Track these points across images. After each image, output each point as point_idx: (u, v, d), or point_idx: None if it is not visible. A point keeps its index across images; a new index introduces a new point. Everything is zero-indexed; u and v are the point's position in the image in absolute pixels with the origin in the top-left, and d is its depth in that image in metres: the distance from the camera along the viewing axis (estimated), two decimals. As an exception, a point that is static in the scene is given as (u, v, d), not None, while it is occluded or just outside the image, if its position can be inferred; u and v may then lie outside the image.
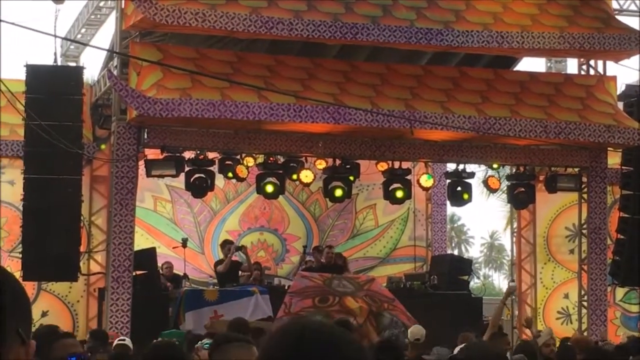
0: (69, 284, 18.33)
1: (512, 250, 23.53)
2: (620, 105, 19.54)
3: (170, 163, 17.52)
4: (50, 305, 18.65)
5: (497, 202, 39.80)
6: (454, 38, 17.37)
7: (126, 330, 16.40)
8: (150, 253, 18.70)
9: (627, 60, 19.30)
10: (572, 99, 18.88)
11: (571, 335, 17.30)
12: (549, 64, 22.93)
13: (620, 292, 21.20)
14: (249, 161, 18.44)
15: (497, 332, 11.70)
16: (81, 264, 17.53)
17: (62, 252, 16.69)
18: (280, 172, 18.48)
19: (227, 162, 18.35)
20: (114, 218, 17.17)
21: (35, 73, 16.94)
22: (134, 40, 17.32)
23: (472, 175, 19.59)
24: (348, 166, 18.79)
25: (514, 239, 22.40)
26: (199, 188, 18.09)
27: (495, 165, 19.53)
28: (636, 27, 19.06)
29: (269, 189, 18.35)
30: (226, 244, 19.31)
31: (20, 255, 16.99)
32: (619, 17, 19.65)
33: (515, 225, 22.42)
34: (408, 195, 19.22)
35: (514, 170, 19.81)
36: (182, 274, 18.86)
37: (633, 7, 21.62)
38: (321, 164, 18.84)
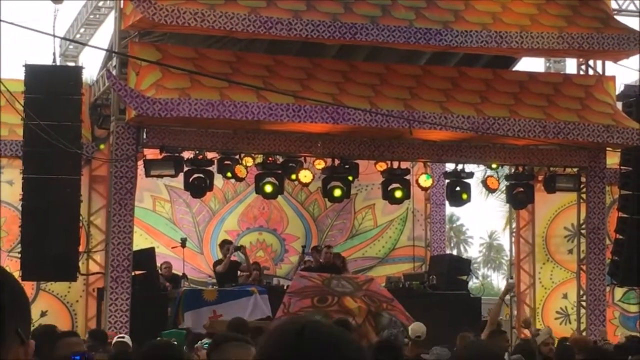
0: (68, 284, 18.33)
1: (510, 250, 23.55)
2: (619, 105, 19.55)
3: (169, 163, 17.52)
4: (49, 305, 18.64)
5: (496, 202, 39.77)
6: (453, 38, 17.37)
7: (125, 330, 16.38)
8: (149, 253, 18.70)
9: (626, 60, 19.32)
10: (571, 99, 18.88)
11: (570, 335, 17.30)
12: (547, 64, 22.94)
13: (619, 292, 21.20)
14: (248, 161, 18.44)
15: (496, 329, 11.67)
16: (80, 263, 17.52)
17: (61, 252, 16.69)
18: (279, 172, 18.49)
19: (226, 162, 18.35)
20: (113, 218, 17.17)
21: (34, 73, 16.93)
22: (133, 40, 17.32)
23: (471, 175, 19.60)
24: (347, 166, 18.79)
25: (513, 239, 22.41)
26: (198, 188, 18.09)
27: (494, 165, 19.53)
28: (635, 27, 19.07)
29: (268, 189, 18.35)
30: (225, 244, 19.31)
31: (19, 255, 16.98)
32: (618, 17, 19.65)
33: (514, 225, 22.42)
34: (407, 195, 19.22)
35: (512, 170, 19.81)
36: (181, 274, 18.86)
37: (632, 7, 21.62)
38: (320, 164, 18.84)
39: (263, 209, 22.08)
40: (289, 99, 16.60)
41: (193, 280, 19.90)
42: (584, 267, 19.73)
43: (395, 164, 18.93)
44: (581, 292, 19.82)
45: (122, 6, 17.43)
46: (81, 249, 17.52)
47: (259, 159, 18.60)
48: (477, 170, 20.78)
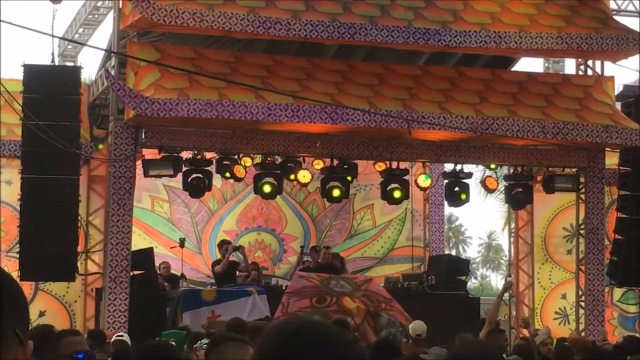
0: (67, 284, 18.32)
1: (509, 251, 23.54)
2: (618, 105, 19.55)
3: (168, 163, 17.52)
4: (48, 305, 18.63)
5: (495, 202, 39.80)
6: (451, 38, 17.37)
7: (124, 330, 16.36)
8: (148, 253, 18.70)
9: (625, 60, 19.32)
10: (569, 99, 18.88)
11: (568, 335, 17.29)
12: (546, 64, 22.94)
13: (617, 292, 21.21)
14: (247, 161, 18.44)
15: (495, 328, 11.67)
16: (79, 264, 17.51)
17: (59, 252, 16.68)
18: (278, 172, 18.48)
19: (225, 162, 18.34)
20: (112, 218, 17.16)
21: (32, 73, 16.91)
22: (132, 40, 17.32)
23: (469, 175, 19.59)
24: (346, 166, 18.79)
25: (512, 239, 22.40)
26: (197, 188, 18.09)
27: (492, 166, 19.53)
28: (634, 27, 19.06)
29: (267, 189, 18.35)
30: (224, 244, 19.30)
31: (18, 255, 16.96)
32: (617, 18, 19.64)
33: (512, 225, 22.42)
34: (406, 196, 19.22)
35: (511, 171, 19.81)
36: (179, 274, 18.86)
37: (631, 8, 21.62)
38: (319, 164, 18.85)
39: (262, 209, 22.08)
40: (287, 99, 16.59)
41: (191, 280, 19.89)
42: (582, 268, 19.73)
43: (394, 164, 18.93)
44: (580, 293, 19.82)
45: (120, 6, 17.42)
46: (80, 249, 17.50)
47: (258, 159, 18.60)
48: (476, 171, 20.79)
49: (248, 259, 19.45)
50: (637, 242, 19.10)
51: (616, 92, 19.74)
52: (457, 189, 19.34)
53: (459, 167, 19.33)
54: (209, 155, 18.11)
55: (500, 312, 18.24)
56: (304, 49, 18.32)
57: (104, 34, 20.53)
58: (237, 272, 19.05)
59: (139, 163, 17.69)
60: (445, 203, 21.55)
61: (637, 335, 17.93)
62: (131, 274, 17.31)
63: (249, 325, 10.86)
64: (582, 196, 19.70)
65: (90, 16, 21.87)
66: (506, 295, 19.09)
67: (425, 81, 18.25)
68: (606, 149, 19.26)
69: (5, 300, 2.23)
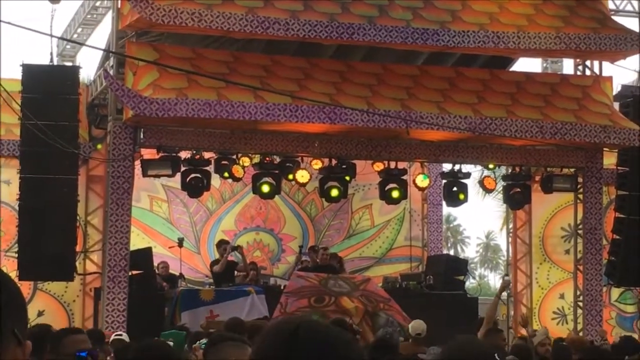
0: (65, 284, 18.33)
1: (507, 251, 23.55)
2: (616, 105, 19.55)
3: (167, 163, 17.52)
4: (46, 305, 18.64)
5: (493, 202, 39.69)
6: (450, 38, 17.38)
7: (122, 330, 16.37)
8: (146, 253, 18.69)
9: (623, 60, 19.33)
10: (568, 100, 18.88)
11: (566, 335, 17.29)
12: (544, 65, 22.95)
13: (615, 292, 21.22)
14: (245, 161, 18.45)
15: (493, 327, 11.67)
16: (77, 263, 17.52)
17: (58, 251, 16.68)
18: (276, 172, 18.49)
19: (223, 162, 18.35)
20: (110, 218, 17.16)
21: (31, 72, 16.92)
22: (130, 40, 17.31)
23: (468, 175, 19.59)
24: (344, 166, 18.79)
25: (510, 239, 22.41)
26: (195, 188, 18.10)
27: (491, 166, 19.54)
28: (633, 27, 19.08)
29: (265, 188, 18.35)
30: (222, 244, 19.29)
31: (16, 255, 16.97)
32: (615, 18, 19.65)
33: (511, 225, 22.43)
34: (404, 196, 19.23)
35: (509, 171, 19.81)
36: (178, 273, 18.85)
37: (629, 8, 21.63)
38: (317, 164, 18.85)
39: (260, 209, 22.08)
40: (286, 99, 16.60)
41: (190, 280, 19.89)
42: (580, 268, 19.74)
43: (393, 164, 18.93)
44: (578, 292, 19.83)
45: (119, 6, 17.41)
46: (78, 248, 17.52)
47: (256, 159, 18.61)
48: (474, 171, 20.80)
49: (246, 258, 19.45)
50: (635, 242, 19.11)
51: (614, 92, 19.73)
52: (455, 189, 19.35)
53: (457, 167, 19.34)
54: (207, 155, 18.11)
55: (499, 311, 18.26)
56: (303, 49, 18.32)
57: (102, 33, 20.55)
58: (236, 272, 19.05)
59: (137, 163, 17.69)
60: (444, 203, 21.56)
61: (634, 335, 17.94)
62: (130, 273, 17.31)
63: (247, 325, 10.86)
64: (580, 196, 19.71)
65: (88, 16, 21.85)
66: (504, 294, 19.08)
67: (423, 81, 18.25)
68: (604, 149, 19.27)
69: (3, 300, 2.23)
